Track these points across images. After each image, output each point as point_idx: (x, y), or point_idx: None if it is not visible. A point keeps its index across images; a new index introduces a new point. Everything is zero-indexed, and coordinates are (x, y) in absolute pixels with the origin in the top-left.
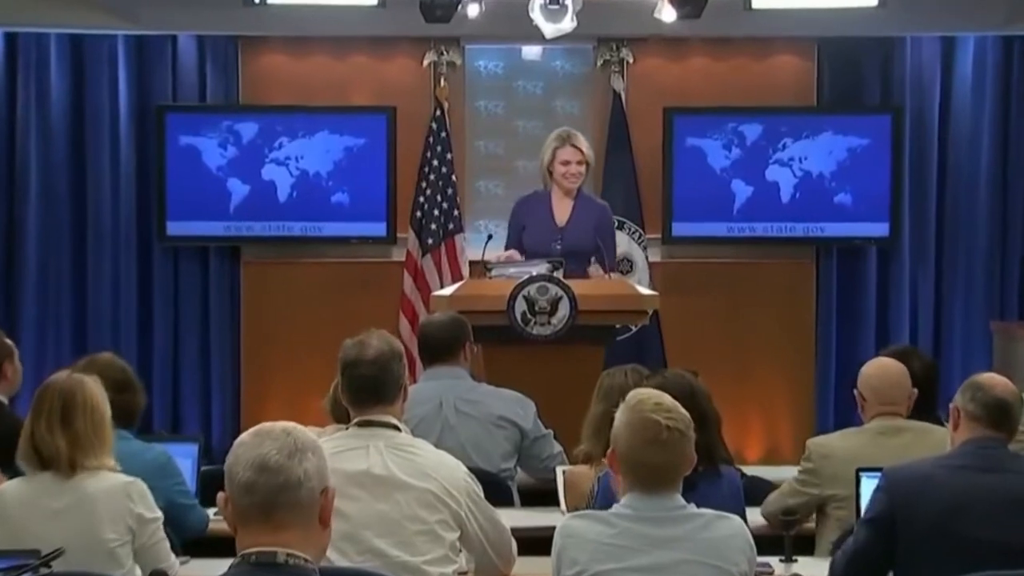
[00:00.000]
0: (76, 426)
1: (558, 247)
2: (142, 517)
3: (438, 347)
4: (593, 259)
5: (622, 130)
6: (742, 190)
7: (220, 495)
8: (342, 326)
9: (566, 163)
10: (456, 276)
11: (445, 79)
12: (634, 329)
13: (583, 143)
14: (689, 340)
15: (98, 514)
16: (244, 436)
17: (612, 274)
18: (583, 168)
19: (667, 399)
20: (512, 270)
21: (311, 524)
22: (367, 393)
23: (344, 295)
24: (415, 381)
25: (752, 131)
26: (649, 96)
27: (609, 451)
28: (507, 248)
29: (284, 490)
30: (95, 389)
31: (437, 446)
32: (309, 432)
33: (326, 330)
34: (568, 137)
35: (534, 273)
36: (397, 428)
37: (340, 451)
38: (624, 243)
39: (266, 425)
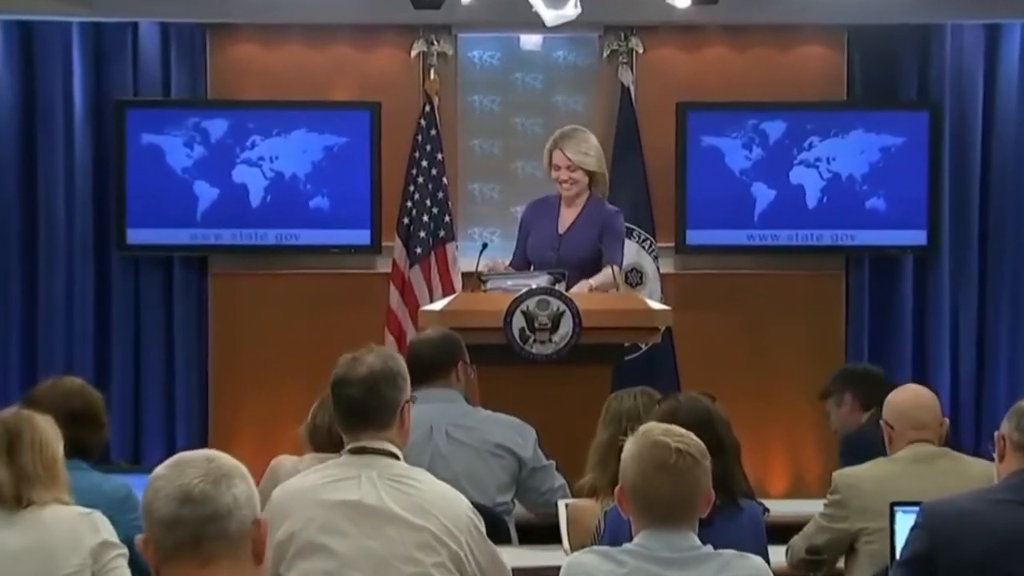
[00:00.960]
0: (22, 460)
1: (554, 257)
2: (105, 543)
3: (428, 367)
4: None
5: (631, 128)
6: (764, 194)
7: (139, 539)
8: (321, 345)
9: (557, 168)
10: (447, 289)
11: (435, 71)
12: (644, 348)
13: (579, 147)
14: (705, 360)
15: (53, 546)
16: (160, 468)
17: (614, 267)
18: (577, 174)
19: (678, 428)
20: (510, 282)
21: (243, 559)
22: (356, 416)
23: (323, 310)
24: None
25: (775, 129)
26: (661, 90)
27: (618, 488)
28: (514, 256)
29: (212, 521)
30: (44, 426)
31: None
32: (232, 459)
33: (304, 350)
34: (560, 139)
35: (534, 286)
36: (395, 456)
37: (330, 481)
38: (633, 252)
39: (184, 454)
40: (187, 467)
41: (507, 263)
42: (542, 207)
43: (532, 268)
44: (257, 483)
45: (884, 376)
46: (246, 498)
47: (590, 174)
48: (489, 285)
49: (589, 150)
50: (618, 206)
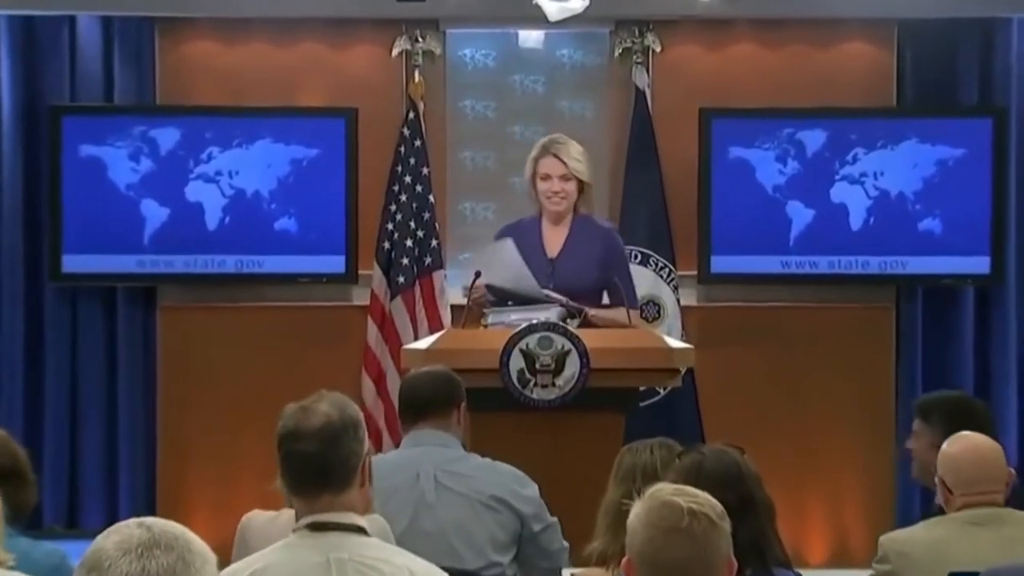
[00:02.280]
0: None
1: (550, 286)
2: None
3: (425, 405)
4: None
5: (646, 138)
6: (800, 215)
7: None
8: (287, 389)
9: (546, 178)
10: (434, 324)
11: (420, 73)
12: (662, 393)
13: (571, 153)
14: (733, 407)
15: None
16: (109, 548)
17: (630, 312)
18: (570, 186)
19: (691, 488)
20: (514, 316)
21: None
22: (311, 476)
23: (291, 349)
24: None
25: (813, 139)
26: (681, 94)
27: (624, 559)
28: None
29: None
30: None
31: (411, 528)
32: (186, 538)
33: (268, 394)
34: (551, 145)
35: (542, 319)
36: (361, 530)
37: (294, 571)
38: (650, 282)
39: (125, 526)
40: (152, 550)
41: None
42: (519, 232)
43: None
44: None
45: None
46: None
47: (580, 186)
48: (490, 320)
49: (581, 157)
50: (633, 228)
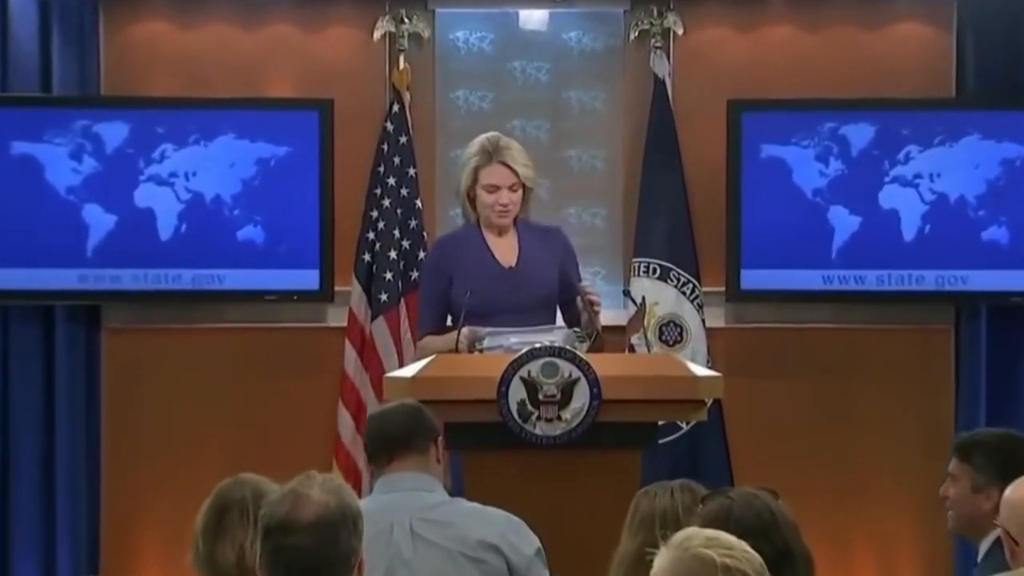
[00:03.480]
0: None
1: (512, 299)
2: None
3: (397, 442)
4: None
5: (667, 134)
6: (845, 222)
7: None
8: (252, 424)
9: (493, 190)
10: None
11: (406, 59)
12: (685, 428)
13: (518, 158)
14: (766, 444)
15: None
16: None
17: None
18: (518, 195)
19: (726, 535)
20: (514, 339)
21: None
22: (301, 575)
23: (256, 378)
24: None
25: (860, 135)
26: (707, 84)
27: None
28: (425, 318)
29: None
30: None
31: None
32: None
33: (229, 431)
34: (495, 149)
35: (546, 343)
36: None
37: None
38: (670, 299)
39: None
40: None
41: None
42: (461, 243)
43: (457, 322)
44: None
45: None
46: None
47: (525, 192)
48: (487, 343)
49: (528, 160)
50: (652, 237)
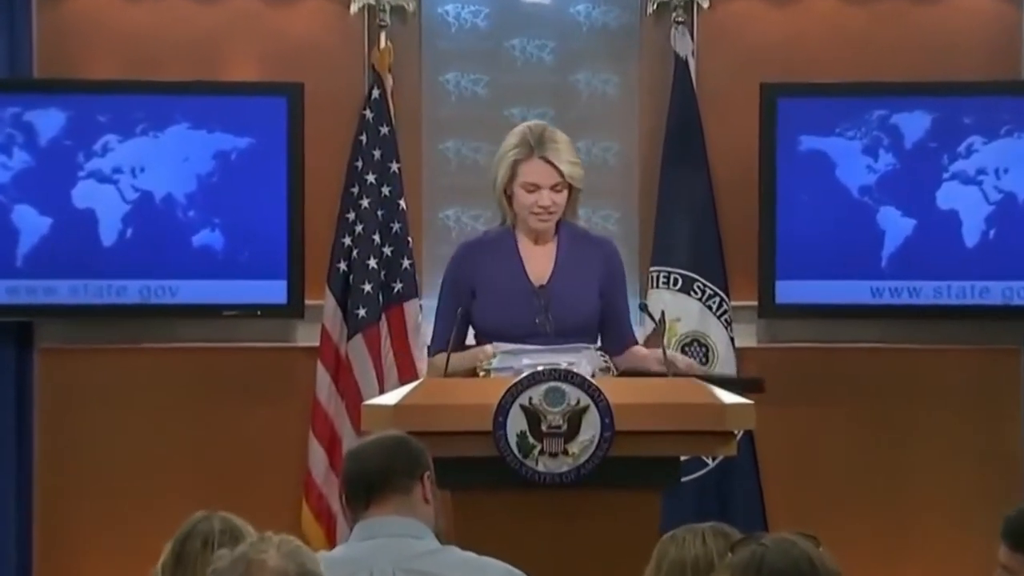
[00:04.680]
0: None
1: (544, 325)
2: None
3: (377, 481)
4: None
5: (690, 123)
6: (897, 225)
7: None
8: (208, 460)
9: (533, 189)
10: (406, 372)
11: (388, 37)
12: (711, 464)
13: (564, 154)
14: (805, 482)
15: None
16: None
17: (671, 355)
18: (562, 196)
19: None
20: (526, 361)
21: None
22: None
23: (213, 406)
24: None
25: (914, 124)
26: (736, 65)
27: None
28: (437, 334)
29: None
30: None
31: None
32: None
33: (181, 467)
34: (538, 143)
35: (563, 365)
36: None
37: None
38: (693, 315)
39: None
40: None
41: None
42: (489, 249)
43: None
44: None
45: None
46: None
47: (572, 193)
48: (496, 364)
49: (575, 156)
50: (674, 244)
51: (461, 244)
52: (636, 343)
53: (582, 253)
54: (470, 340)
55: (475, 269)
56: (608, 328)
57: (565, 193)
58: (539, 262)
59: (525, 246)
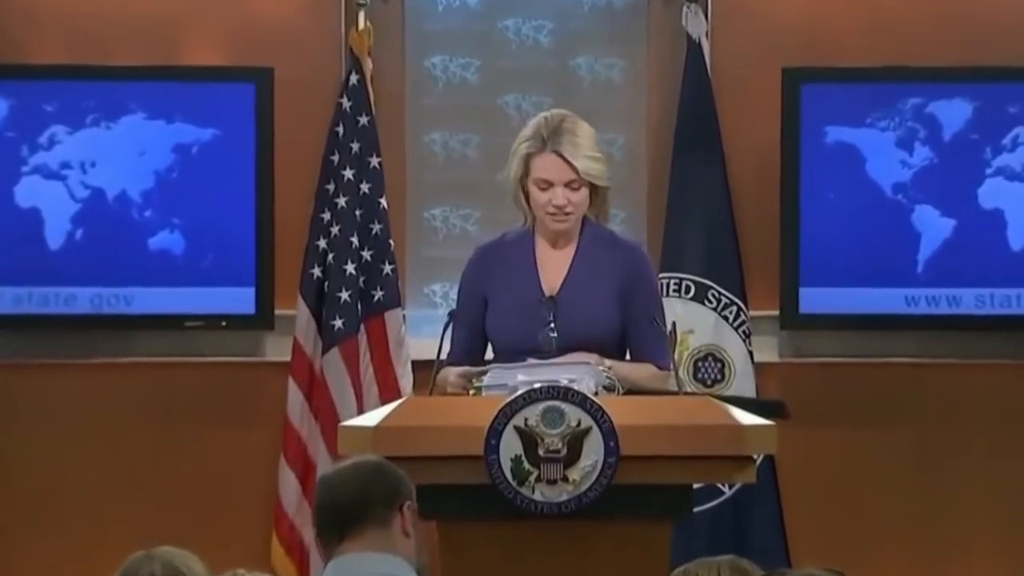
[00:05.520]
0: None
1: (550, 340)
2: None
3: (351, 514)
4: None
5: (704, 112)
6: (934, 227)
7: None
8: (168, 488)
9: (545, 186)
10: (387, 389)
11: (367, 17)
12: (728, 492)
13: (582, 147)
14: (831, 511)
15: None
16: None
17: (662, 373)
18: (580, 195)
19: None
20: (521, 377)
21: None
22: None
23: (173, 428)
24: None
25: (954, 113)
26: (755, 48)
27: None
28: (452, 347)
29: None
30: None
31: None
32: None
33: (137, 495)
34: (552, 135)
35: (563, 382)
36: None
37: None
38: (708, 326)
39: None
40: None
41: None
42: (506, 252)
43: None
44: None
45: None
46: None
47: (593, 190)
48: (487, 381)
49: (595, 151)
50: (685, 248)
51: (477, 247)
52: (667, 369)
53: (601, 259)
54: (489, 355)
55: (488, 276)
56: (629, 348)
57: (584, 191)
58: (554, 269)
59: (543, 251)
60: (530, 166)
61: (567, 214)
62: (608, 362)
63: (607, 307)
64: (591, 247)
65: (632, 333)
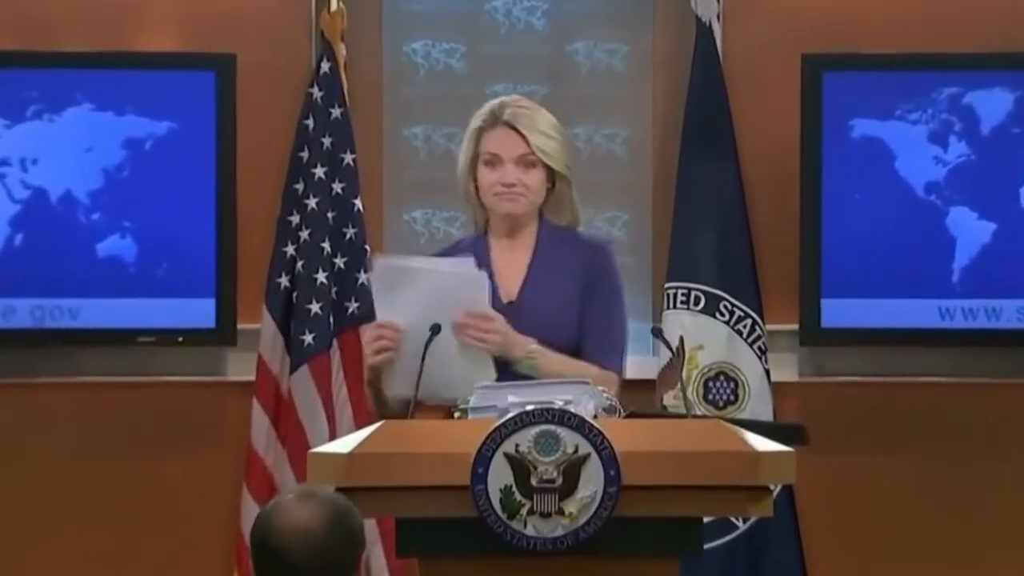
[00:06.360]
0: None
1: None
2: None
3: (299, 572)
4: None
5: (715, 104)
6: (971, 231)
7: None
8: (118, 520)
9: (493, 162)
10: (363, 412)
11: None
12: (742, 527)
13: (537, 123)
14: (856, 547)
15: None
16: None
17: (607, 373)
18: (533, 176)
19: None
20: (512, 398)
21: None
22: None
23: (124, 454)
24: None
25: (994, 105)
26: (773, 32)
27: None
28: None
29: None
30: None
31: None
32: None
33: (85, 527)
34: (503, 109)
35: (558, 404)
36: None
37: None
38: (720, 342)
39: None
40: None
41: None
42: None
43: None
44: None
45: None
46: None
47: (551, 177)
48: (472, 402)
49: (553, 131)
50: (696, 253)
51: (437, 253)
52: (614, 370)
53: (562, 259)
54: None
55: None
56: (579, 347)
57: (538, 174)
58: (511, 273)
59: (499, 254)
60: (480, 145)
61: (518, 194)
62: (534, 346)
63: (571, 311)
64: (550, 247)
65: (581, 332)
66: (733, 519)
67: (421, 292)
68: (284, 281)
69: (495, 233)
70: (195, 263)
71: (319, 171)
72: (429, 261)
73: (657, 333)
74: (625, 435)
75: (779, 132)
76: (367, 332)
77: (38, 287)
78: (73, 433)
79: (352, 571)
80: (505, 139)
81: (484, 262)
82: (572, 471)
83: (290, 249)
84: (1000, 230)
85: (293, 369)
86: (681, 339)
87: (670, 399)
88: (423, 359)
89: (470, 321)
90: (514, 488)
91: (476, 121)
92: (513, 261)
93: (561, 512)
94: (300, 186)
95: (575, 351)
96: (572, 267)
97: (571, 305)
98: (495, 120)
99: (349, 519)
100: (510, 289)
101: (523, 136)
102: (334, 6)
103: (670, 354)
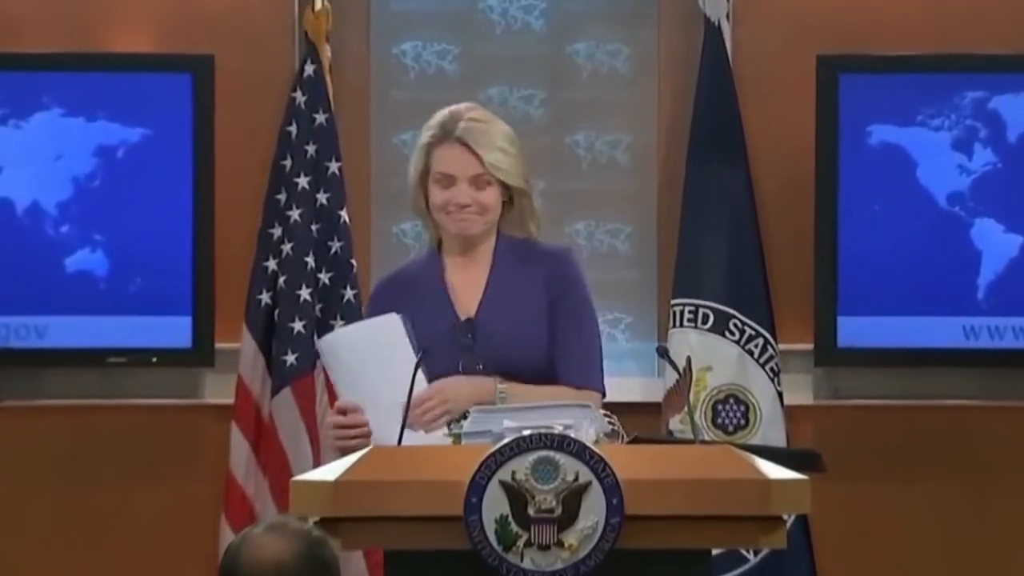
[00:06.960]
0: None
1: (475, 366)
2: None
3: None
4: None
5: (726, 107)
6: (998, 244)
7: None
8: (87, 553)
9: (446, 180)
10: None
11: None
12: (753, 560)
13: (492, 137)
14: None
15: None
16: None
17: (586, 394)
18: (488, 194)
19: None
20: (508, 423)
21: None
22: None
23: (94, 483)
24: None
25: (1020, 110)
26: (785, 32)
27: None
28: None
29: None
30: None
31: None
32: None
33: (50, 561)
34: (454, 123)
35: (558, 430)
36: None
37: None
38: (730, 362)
39: None
40: None
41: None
42: (409, 284)
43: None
44: None
45: None
46: None
47: (508, 194)
48: (467, 427)
49: (509, 145)
50: (704, 266)
51: (376, 283)
52: (593, 390)
53: (522, 273)
54: None
55: (394, 311)
56: (550, 366)
57: (493, 192)
58: (468, 290)
59: (454, 271)
60: (431, 161)
61: (474, 214)
62: (502, 385)
63: (534, 327)
64: (509, 261)
65: (553, 352)
66: (744, 551)
67: (356, 356)
68: (265, 298)
69: (449, 251)
70: (170, 279)
71: (303, 180)
72: (352, 325)
73: (663, 353)
74: (628, 462)
75: (793, 139)
76: (331, 417)
77: (2, 304)
78: (39, 460)
79: None
80: (458, 157)
81: (437, 279)
82: (572, 500)
83: (272, 264)
84: None
85: (275, 391)
86: (688, 359)
87: (676, 423)
88: (412, 383)
89: (412, 414)
90: (510, 518)
91: (426, 135)
92: (468, 279)
93: (560, 544)
94: (282, 196)
95: (543, 369)
96: (534, 281)
97: (534, 323)
98: (446, 135)
99: (322, 551)
100: (467, 307)
101: (476, 155)
102: (318, 5)
103: (676, 375)
